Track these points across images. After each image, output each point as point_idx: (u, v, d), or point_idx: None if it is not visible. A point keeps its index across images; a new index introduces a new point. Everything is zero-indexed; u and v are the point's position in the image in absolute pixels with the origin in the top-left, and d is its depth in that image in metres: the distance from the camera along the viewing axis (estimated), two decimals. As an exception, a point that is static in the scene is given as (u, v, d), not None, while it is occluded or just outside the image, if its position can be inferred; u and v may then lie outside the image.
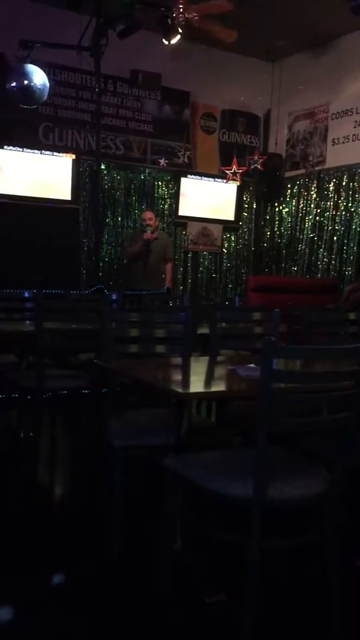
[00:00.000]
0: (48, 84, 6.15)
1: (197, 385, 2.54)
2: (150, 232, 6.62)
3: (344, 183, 7.43)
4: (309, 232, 7.88)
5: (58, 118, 7.16)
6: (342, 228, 7.43)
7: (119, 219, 7.64)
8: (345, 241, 7.39)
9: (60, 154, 7.05)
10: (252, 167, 7.75)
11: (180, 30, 5.86)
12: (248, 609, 1.92)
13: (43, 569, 2.45)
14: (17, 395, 3.99)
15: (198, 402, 3.92)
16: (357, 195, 7.29)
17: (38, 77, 6.04)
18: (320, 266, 7.70)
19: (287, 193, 8.28)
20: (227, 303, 7.98)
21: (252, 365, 2.49)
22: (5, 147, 6.75)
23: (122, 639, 2.05)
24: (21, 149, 6.83)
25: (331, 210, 7.59)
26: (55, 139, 7.18)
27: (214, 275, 8.37)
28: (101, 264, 6.79)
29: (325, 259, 7.65)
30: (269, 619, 2.10)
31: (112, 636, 2.06)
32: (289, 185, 8.26)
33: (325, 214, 7.67)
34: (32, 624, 2.09)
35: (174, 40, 5.99)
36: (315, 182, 7.84)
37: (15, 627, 2.08)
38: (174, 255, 7.92)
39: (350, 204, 7.36)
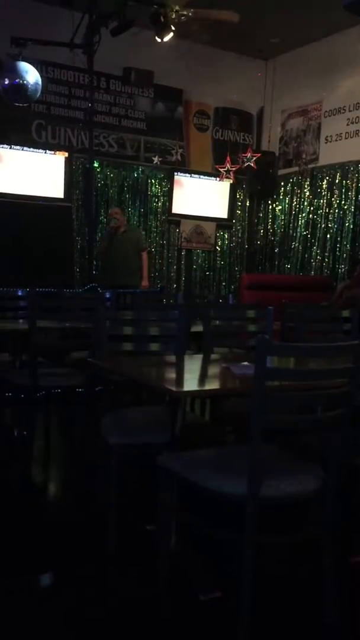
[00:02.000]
0: (40, 82, 6.14)
1: (191, 383, 2.54)
2: (115, 223, 6.55)
3: (337, 181, 7.44)
4: (303, 230, 7.89)
5: (51, 116, 7.14)
6: (335, 226, 7.45)
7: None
8: (339, 239, 7.41)
9: (53, 152, 7.03)
10: (246, 164, 7.75)
11: (173, 28, 5.86)
12: (243, 605, 1.92)
13: (38, 567, 2.44)
14: (10, 394, 3.98)
15: (192, 399, 3.92)
16: (350, 193, 7.30)
17: (30, 74, 6.02)
18: (313, 264, 7.72)
19: (281, 191, 8.29)
20: (220, 301, 7.99)
21: (246, 363, 2.49)
22: (-3, 144, 6.72)
23: (117, 636, 2.05)
24: (14, 147, 6.81)
25: (324, 207, 7.60)
26: (48, 137, 7.16)
27: (207, 273, 8.38)
28: (95, 262, 6.78)
29: (318, 257, 7.66)
30: (264, 616, 2.11)
31: (108, 634, 2.06)
32: (282, 183, 8.27)
33: (319, 212, 7.69)
34: (26, 622, 2.08)
35: (166, 38, 5.98)
36: (308, 179, 7.85)
37: (9, 624, 2.08)
38: (167, 253, 7.95)
39: (343, 202, 7.38)
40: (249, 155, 7.73)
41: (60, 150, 7.08)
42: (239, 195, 8.53)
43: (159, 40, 6.01)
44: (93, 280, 6.47)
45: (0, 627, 2.06)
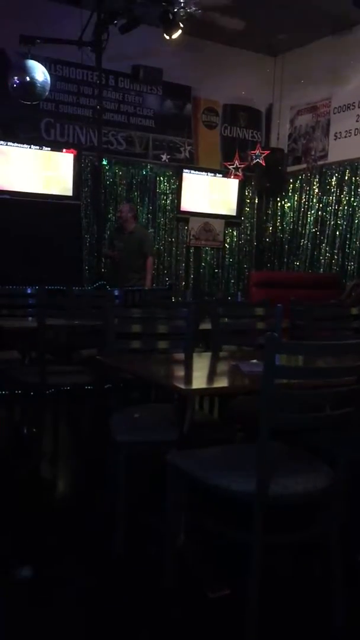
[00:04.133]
0: (49, 80, 6.15)
1: (199, 381, 2.54)
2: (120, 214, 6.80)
3: (346, 177, 7.40)
4: (311, 227, 7.86)
5: (59, 114, 7.15)
6: (345, 223, 7.41)
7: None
8: (348, 236, 7.37)
9: (62, 150, 7.04)
10: (254, 161, 7.73)
11: (181, 25, 5.85)
12: (251, 604, 1.92)
13: (45, 564, 2.45)
14: (20, 392, 3.99)
15: (201, 397, 3.92)
16: (359, 190, 7.26)
17: (39, 72, 6.03)
18: (322, 261, 7.69)
19: (289, 188, 8.26)
20: (229, 298, 7.97)
21: (254, 361, 2.49)
22: (7, 143, 6.73)
23: (126, 634, 2.06)
24: (23, 145, 6.82)
25: (333, 204, 7.57)
26: (56, 135, 7.17)
27: (216, 271, 8.36)
28: (103, 260, 6.79)
29: (327, 254, 7.63)
30: (272, 614, 2.10)
31: (116, 632, 2.06)
32: (291, 180, 8.24)
33: (328, 209, 7.65)
34: (34, 619, 2.09)
35: (175, 35, 5.98)
36: (317, 176, 7.81)
37: (17, 622, 2.09)
38: (176, 251, 7.94)
39: (352, 199, 7.34)
40: (257, 152, 7.71)
41: (69, 148, 7.08)
42: (248, 192, 8.51)
43: (167, 37, 6.01)
44: (102, 278, 6.48)
45: (6, 625, 2.07)
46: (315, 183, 7.84)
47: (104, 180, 7.16)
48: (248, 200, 8.54)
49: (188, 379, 2.51)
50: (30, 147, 6.85)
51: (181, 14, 5.69)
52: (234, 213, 8.30)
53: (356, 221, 7.27)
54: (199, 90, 8.04)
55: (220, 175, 8.03)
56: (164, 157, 7.83)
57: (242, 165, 7.69)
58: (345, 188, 7.42)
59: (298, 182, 8.13)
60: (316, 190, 7.83)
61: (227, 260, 8.45)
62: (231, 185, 8.17)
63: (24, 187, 6.82)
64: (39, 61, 6.10)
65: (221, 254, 8.35)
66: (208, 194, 8.05)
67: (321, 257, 7.71)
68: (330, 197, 7.61)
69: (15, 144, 6.78)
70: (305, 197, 8.01)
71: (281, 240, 8.42)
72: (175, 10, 5.66)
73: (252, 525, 1.91)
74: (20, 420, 4.23)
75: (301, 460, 2.19)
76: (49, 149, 6.98)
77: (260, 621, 1.94)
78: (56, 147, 7.03)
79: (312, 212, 7.87)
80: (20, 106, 6.30)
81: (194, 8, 5.59)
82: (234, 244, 8.49)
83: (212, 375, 2.66)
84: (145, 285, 6.62)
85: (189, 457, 2.18)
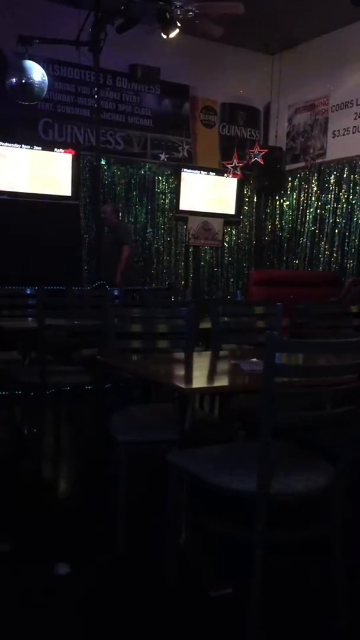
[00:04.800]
0: (47, 80, 6.14)
1: (200, 380, 2.54)
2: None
3: (344, 175, 7.40)
4: (310, 225, 7.86)
5: (57, 114, 7.14)
6: (344, 221, 7.41)
7: (120, 214, 7.63)
8: (347, 234, 7.37)
9: (60, 150, 7.04)
10: (253, 160, 7.73)
11: (179, 24, 5.84)
12: (252, 603, 1.92)
13: (47, 564, 2.45)
14: (20, 392, 3.99)
15: (201, 396, 3.92)
16: (358, 188, 7.26)
17: (37, 73, 6.03)
18: (321, 259, 7.69)
19: (288, 186, 8.26)
20: (229, 297, 7.97)
21: (255, 359, 2.49)
22: (5, 143, 6.73)
23: (127, 633, 2.06)
24: (21, 145, 6.82)
25: (332, 202, 7.57)
26: (55, 135, 7.16)
27: (215, 270, 8.36)
28: (102, 260, 6.79)
29: (326, 252, 7.63)
30: (274, 613, 2.10)
31: (117, 631, 2.07)
32: (289, 179, 8.24)
33: (327, 207, 7.65)
34: (37, 619, 2.09)
35: (172, 34, 5.97)
36: (316, 174, 7.82)
37: (20, 621, 2.09)
38: (175, 250, 7.94)
39: (351, 197, 7.34)
40: (256, 150, 7.71)
41: (67, 148, 7.08)
42: (247, 191, 8.50)
43: (164, 36, 6.00)
44: (101, 278, 6.48)
45: (7, 625, 2.07)
46: (314, 181, 7.85)
47: (102, 180, 7.16)
48: (247, 199, 8.54)
49: (188, 378, 2.51)
50: (28, 148, 6.85)
51: (179, 15, 5.68)
52: (232, 212, 8.29)
53: (355, 219, 7.27)
54: (197, 89, 8.04)
55: (219, 174, 8.03)
56: (163, 156, 7.82)
57: (241, 164, 7.69)
58: (344, 186, 7.42)
59: (297, 180, 8.13)
60: (315, 189, 7.83)
61: (226, 259, 8.45)
62: (230, 184, 8.17)
63: (23, 187, 6.82)
64: (36, 61, 6.10)
65: (220, 253, 8.35)
66: (207, 193, 8.04)
67: (320, 255, 7.71)
68: (329, 195, 7.61)
69: (14, 145, 6.78)
70: (304, 196, 8.01)
71: (280, 238, 8.42)
72: (172, 9, 5.66)
73: (253, 523, 1.91)
74: (21, 420, 4.23)
75: (302, 458, 2.19)
76: (47, 149, 6.98)
77: (262, 620, 1.94)
78: (54, 147, 7.03)
79: (311, 210, 7.87)
80: (18, 106, 6.30)
81: (191, 14, 5.60)
82: (233, 243, 8.49)
83: (212, 374, 2.66)
84: (116, 278, 6.61)
85: (190, 456, 2.18)
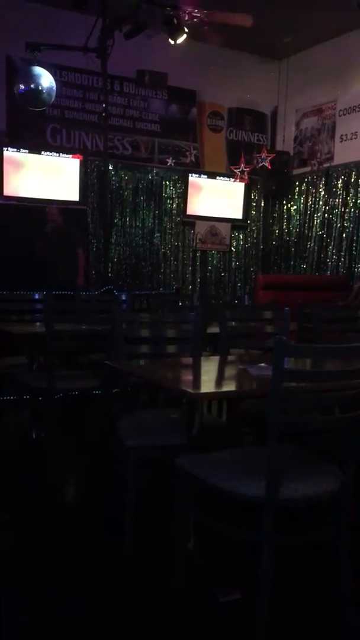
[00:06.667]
0: (55, 86, 6.18)
1: (208, 385, 2.53)
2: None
3: (352, 180, 7.40)
4: (318, 230, 7.85)
5: (65, 119, 7.18)
6: (351, 225, 7.40)
7: (127, 219, 7.66)
8: (355, 238, 7.36)
9: (68, 155, 7.07)
10: (260, 165, 7.73)
11: (186, 30, 5.87)
12: (261, 607, 1.92)
13: (55, 568, 2.45)
14: (28, 397, 4.00)
15: (209, 401, 3.92)
16: (365, 192, 7.26)
17: (45, 79, 6.07)
18: (329, 263, 7.68)
19: (295, 190, 8.26)
20: (236, 302, 7.97)
21: (263, 364, 2.49)
22: (13, 149, 6.77)
23: (135, 637, 2.06)
24: (29, 151, 6.86)
25: (340, 207, 7.56)
26: (62, 141, 7.20)
27: (222, 274, 8.37)
28: (110, 265, 6.80)
29: (334, 256, 7.62)
30: (283, 618, 2.10)
31: (125, 634, 2.06)
32: (297, 183, 8.24)
33: (334, 211, 7.64)
34: (43, 623, 2.10)
35: (180, 40, 6.00)
36: (323, 179, 7.81)
37: (27, 625, 2.09)
38: (182, 255, 7.94)
39: (358, 201, 7.32)
40: (263, 155, 7.71)
41: (75, 153, 7.11)
42: (254, 195, 8.51)
43: (172, 42, 6.03)
44: (108, 283, 6.50)
45: (17, 628, 2.07)
46: (321, 185, 7.84)
47: (110, 185, 7.19)
48: (254, 204, 8.54)
49: (196, 383, 2.51)
50: (36, 153, 6.89)
51: (186, 20, 5.71)
52: (240, 216, 8.30)
53: (363, 223, 7.26)
54: (204, 94, 8.06)
55: (226, 178, 8.03)
56: (170, 161, 7.85)
57: (248, 169, 7.69)
58: (352, 190, 7.41)
59: (304, 184, 8.13)
60: (322, 193, 7.82)
61: (233, 263, 8.46)
62: (237, 189, 8.18)
63: (31, 193, 6.86)
64: (44, 67, 6.13)
65: (228, 257, 8.35)
66: (214, 197, 8.06)
67: (328, 260, 7.70)
68: (337, 200, 7.61)
69: (22, 151, 6.82)
70: (311, 200, 8.01)
71: (287, 243, 8.42)
72: (180, 14, 5.68)
73: (262, 528, 1.90)
74: (29, 424, 4.24)
75: (311, 462, 2.19)
76: (55, 154, 7.01)
77: (271, 625, 1.93)
78: (62, 152, 7.06)
79: (319, 214, 7.86)
80: (27, 112, 6.34)
81: (195, 19, 5.62)
82: (240, 247, 8.49)
83: (220, 379, 2.66)
84: (77, 283, 6.49)
85: (198, 461, 2.18)
